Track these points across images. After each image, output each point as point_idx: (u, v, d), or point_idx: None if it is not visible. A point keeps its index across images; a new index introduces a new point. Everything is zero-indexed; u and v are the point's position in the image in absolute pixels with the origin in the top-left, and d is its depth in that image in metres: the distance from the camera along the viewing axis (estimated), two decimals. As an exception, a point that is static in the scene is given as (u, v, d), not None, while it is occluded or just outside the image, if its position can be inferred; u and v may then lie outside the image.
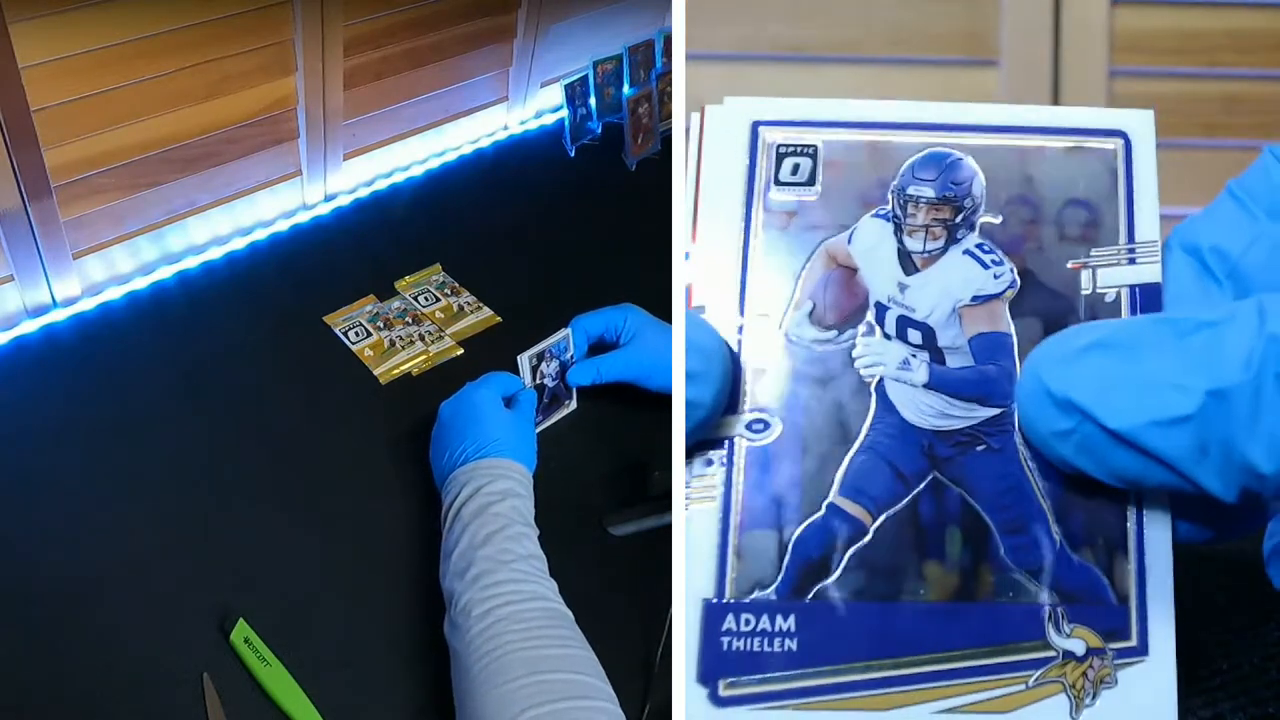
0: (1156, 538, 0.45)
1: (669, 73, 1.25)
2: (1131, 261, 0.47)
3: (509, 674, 0.60)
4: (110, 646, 0.69)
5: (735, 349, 0.46)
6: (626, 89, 1.25)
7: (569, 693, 0.59)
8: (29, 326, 0.91)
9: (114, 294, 0.95)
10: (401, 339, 0.96)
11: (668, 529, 0.78)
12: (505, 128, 1.27)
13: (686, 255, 0.46)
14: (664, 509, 0.80)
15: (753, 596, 0.45)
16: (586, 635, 0.64)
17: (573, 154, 1.25)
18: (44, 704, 0.65)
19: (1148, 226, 0.47)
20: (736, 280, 0.47)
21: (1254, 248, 0.42)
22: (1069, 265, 0.48)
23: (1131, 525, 0.45)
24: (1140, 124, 0.50)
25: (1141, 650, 0.44)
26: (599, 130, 1.27)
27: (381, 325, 0.97)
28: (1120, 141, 0.49)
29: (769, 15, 1.08)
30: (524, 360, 0.82)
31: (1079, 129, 0.49)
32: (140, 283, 0.97)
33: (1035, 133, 0.49)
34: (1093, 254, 0.48)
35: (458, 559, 0.68)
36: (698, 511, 0.46)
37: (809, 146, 0.49)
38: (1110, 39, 1.07)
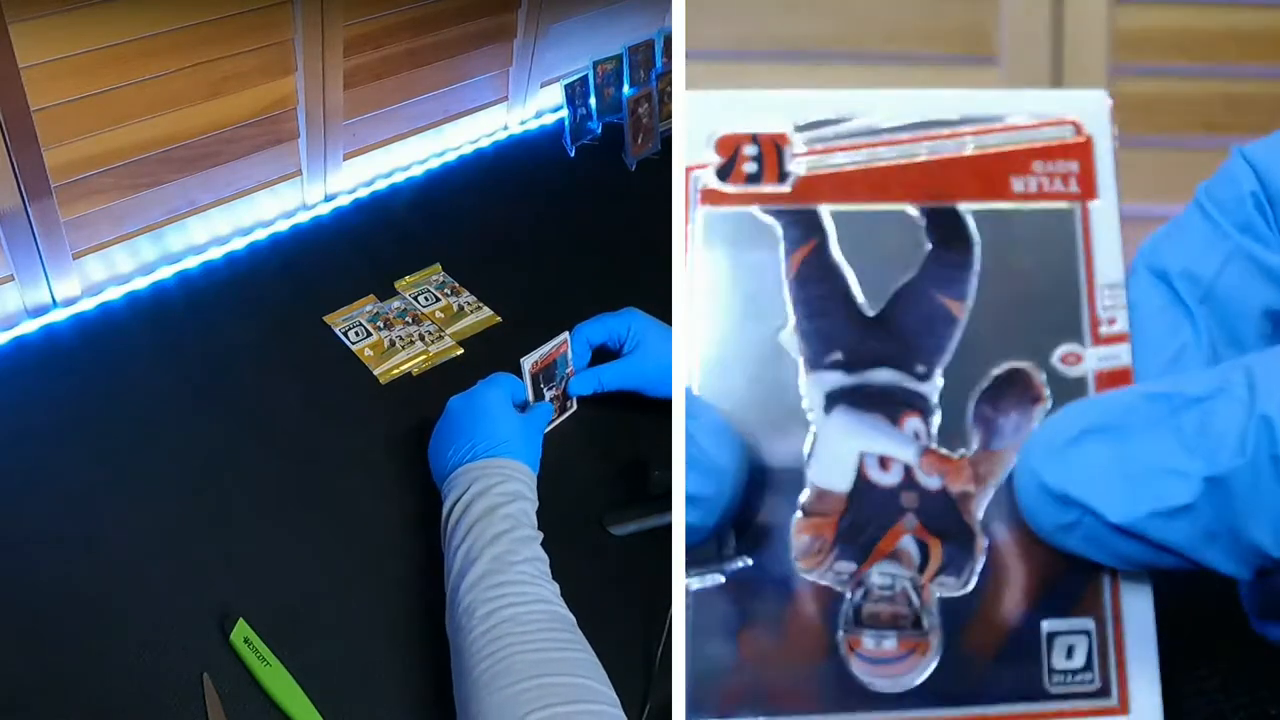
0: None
1: (669, 73, 1.25)
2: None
3: (512, 677, 0.59)
4: (110, 646, 0.69)
5: (750, 449, 0.40)
6: (626, 89, 1.25)
7: (572, 696, 0.59)
8: (29, 326, 0.91)
9: (114, 294, 0.95)
10: (401, 339, 0.96)
11: (667, 528, 0.78)
12: (505, 128, 1.27)
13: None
14: (664, 509, 0.80)
15: None
16: (587, 635, 0.64)
17: (573, 154, 1.24)
18: (44, 704, 0.65)
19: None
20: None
21: (1226, 269, 0.39)
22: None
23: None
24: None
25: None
26: (599, 130, 1.27)
27: (381, 325, 0.97)
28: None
29: (769, 13, 1.08)
30: (525, 365, 0.82)
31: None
32: (140, 283, 0.97)
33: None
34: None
35: (463, 558, 0.67)
36: None
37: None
38: (1111, 37, 1.06)
